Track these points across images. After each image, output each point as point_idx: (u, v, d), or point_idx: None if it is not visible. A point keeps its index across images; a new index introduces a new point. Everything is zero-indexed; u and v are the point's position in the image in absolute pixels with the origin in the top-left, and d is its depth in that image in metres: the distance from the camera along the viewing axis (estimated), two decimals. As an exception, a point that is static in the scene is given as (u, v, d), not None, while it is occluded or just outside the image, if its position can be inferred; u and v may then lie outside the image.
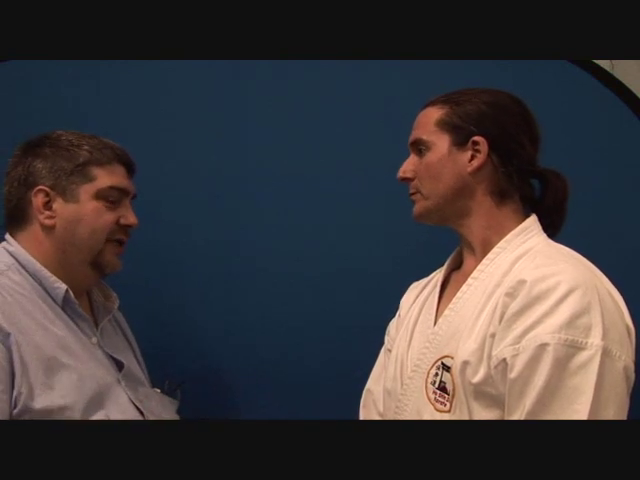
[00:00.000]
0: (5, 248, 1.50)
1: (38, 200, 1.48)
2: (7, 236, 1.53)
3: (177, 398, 1.67)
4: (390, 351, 1.54)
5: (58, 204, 1.48)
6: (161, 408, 1.57)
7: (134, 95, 1.91)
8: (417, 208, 1.46)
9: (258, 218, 1.91)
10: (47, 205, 1.48)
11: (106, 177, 1.51)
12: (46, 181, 1.49)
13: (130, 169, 1.56)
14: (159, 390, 1.63)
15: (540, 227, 1.44)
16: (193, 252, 1.90)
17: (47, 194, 1.48)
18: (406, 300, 1.59)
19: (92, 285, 1.58)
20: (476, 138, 1.40)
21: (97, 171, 1.50)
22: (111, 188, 1.51)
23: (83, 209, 1.49)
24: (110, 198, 1.51)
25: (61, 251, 1.49)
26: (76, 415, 1.38)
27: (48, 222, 1.48)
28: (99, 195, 1.50)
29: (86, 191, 1.49)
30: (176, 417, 1.62)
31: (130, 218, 1.54)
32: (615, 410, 1.24)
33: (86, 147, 1.51)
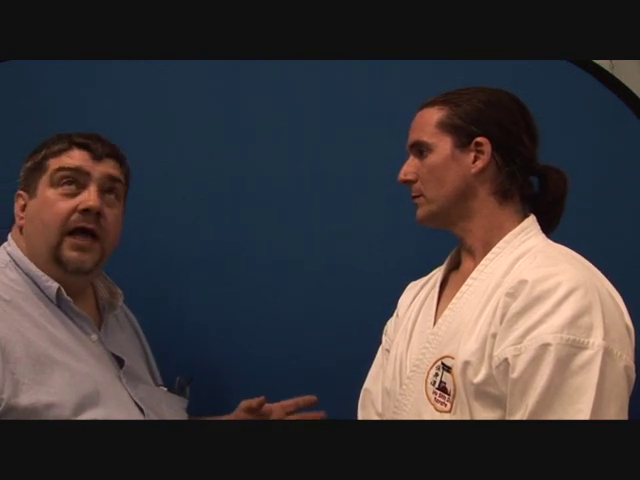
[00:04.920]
0: (4, 247, 1.51)
1: (17, 205, 1.50)
2: (9, 236, 1.53)
3: (186, 396, 1.66)
4: (388, 351, 1.54)
5: (29, 204, 1.49)
6: (165, 406, 1.55)
7: (134, 95, 1.91)
8: (421, 212, 1.46)
9: (259, 218, 1.90)
10: (23, 208, 1.49)
11: (56, 162, 1.47)
12: (21, 186, 1.51)
13: (95, 153, 1.48)
14: (166, 388, 1.62)
15: (539, 227, 1.44)
16: (197, 252, 1.90)
17: (23, 197, 1.50)
18: (404, 300, 1.59)
19: (81, 285, 1.52)
20: (479, 139, 1.40)
21: (52, 161, 1.48)
22: (59, 170, 1.46)
23: (39, 201, 1.47)
24: (63, 182, 1.45)
25: (31, 250, 1.47)
26: (66, 413, 1.36)
27: (21, 223, 1.49)
28: (52, 182, 1.46)
29: (42, 183, 1.47)
30: (183, 415, 1.61)
31: (87, 201, 1.44)
32: (616, 409, 1.25)
33: (47, 143, 1.50)
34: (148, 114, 1.90)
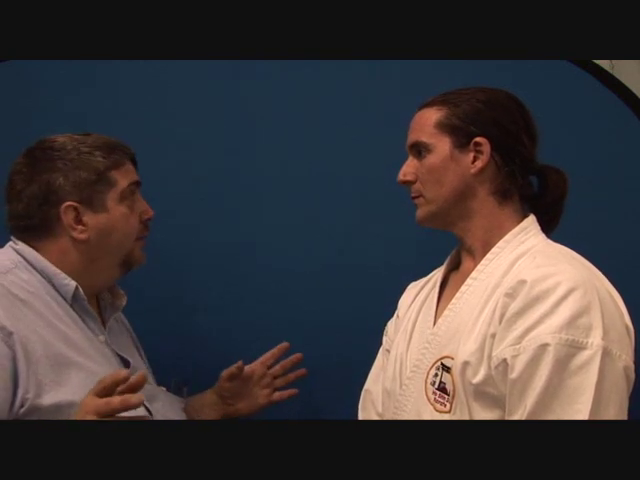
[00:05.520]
0: (11, 247, 1.50)
1: (68, 217, 1.47)
2: (12, 237, 1.52)
3: (183, 397, 1.67)
4: (388, 351, 1.54)
5: (88, 217, 1.48)
6: (167, 407, 1.56)
7: (134, 95, 1.91)
8: (420, 212, 1.46)
9: (259, 218, 1.91)
10: (77, 219, 1.48)
11: (123, 178, 1.51)
12: (72, 196, 1.47)
13: (134, 162, 1.56)
14: (165, 389, 1.63)
15: (538, 227, 1.44)
16: (197, 253, 1.91)
17: (76, 209, 1.47)
18: (404, 300, 1.59)
19: (113, 282, 1.58)
20: (478, 139, 1.40)
21: (116, 175, 1.50)
22: (130, 185, 1.52)
23: (113, 217, 1.50)
24: (130, 197, 1.52)
25: (90, 260, 1.49)
26: None
27: (82, 236, 1.48)
28: (122, 198, 1.51)
29: (112, 198, 1.50)
30: (183, 416, 1.62)
31: (149, 211, 1.56)
32: (616, 410, 1.25)
33: (98, 153, 1.50)
34: (148, 114, 1.90)
